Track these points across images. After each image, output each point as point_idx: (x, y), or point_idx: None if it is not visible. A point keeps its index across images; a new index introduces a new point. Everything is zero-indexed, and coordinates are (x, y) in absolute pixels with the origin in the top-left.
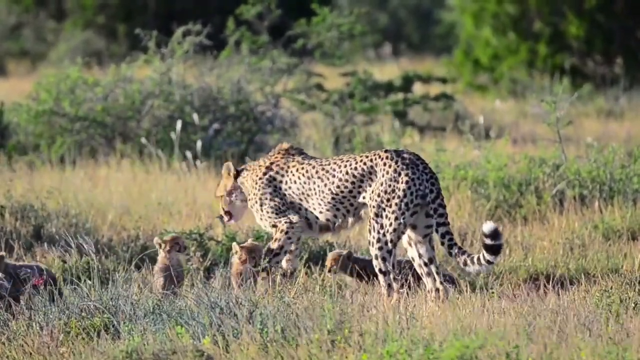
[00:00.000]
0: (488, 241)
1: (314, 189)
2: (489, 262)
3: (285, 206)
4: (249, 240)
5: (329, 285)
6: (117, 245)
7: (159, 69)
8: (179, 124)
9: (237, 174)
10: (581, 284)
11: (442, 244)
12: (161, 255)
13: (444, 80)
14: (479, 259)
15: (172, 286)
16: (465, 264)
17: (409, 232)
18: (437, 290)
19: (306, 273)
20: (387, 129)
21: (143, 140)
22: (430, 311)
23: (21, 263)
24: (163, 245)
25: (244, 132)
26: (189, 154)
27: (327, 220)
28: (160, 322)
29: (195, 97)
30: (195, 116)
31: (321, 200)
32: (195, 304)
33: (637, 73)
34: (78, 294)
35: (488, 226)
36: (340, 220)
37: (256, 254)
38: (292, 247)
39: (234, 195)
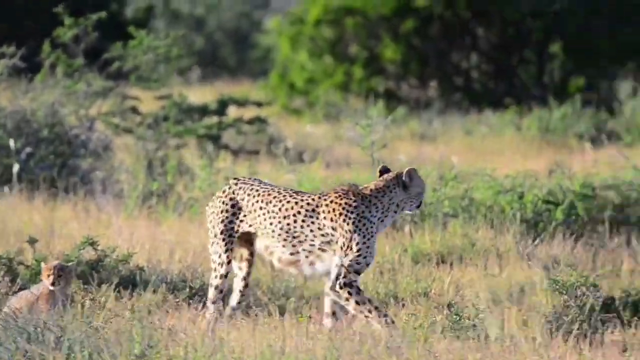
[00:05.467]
0: None
1: None
2: None
3: None
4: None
5: (138, 309)
6: None
7: None
8: None
9: None
10: (390, 308)
11: None
12: None
13: (259, 104)
14: None
15: None
16: None
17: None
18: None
19: (116, 298)
20: (199, 153)
21: None
22: (239, 335)
23: None
24: None
25: (57, 156)
26: None
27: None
28: None
29: (9, 120)
30: (11, 141)
31: None
32: (2, 328)
33: (451, 96)
34: None
35: None
36: None
37: (65, 274)
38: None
39: None
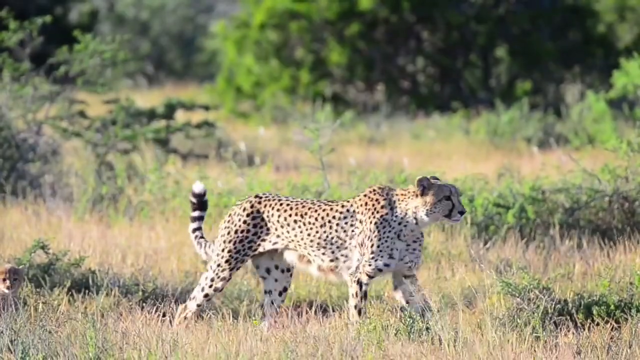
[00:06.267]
0: None
1: None
2: None
3: None
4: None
5: (91, 312)
6: None
7: None
8: None
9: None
10: (343, 311)
11: None
12: None
13: (206, 108)
14: None
15: None
16: None
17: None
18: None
19: (69, 301)
20: (148, 157)
21: None
22: (193, 338)
23: None
24: None
25: (5, 160)
26: None
27: None
28: None
29: None
30: None
31: None
32: None
33: (397, 100)
34: None
35: None
36: None
37: (19, 277)
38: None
39: None
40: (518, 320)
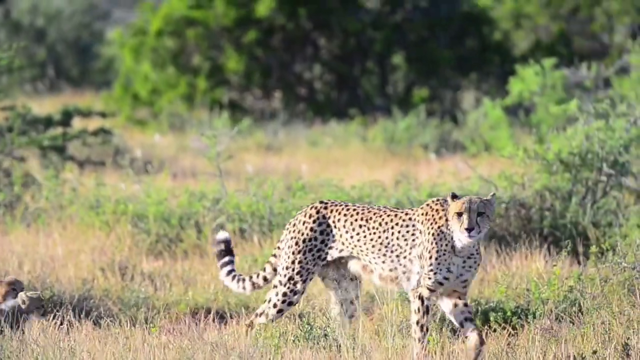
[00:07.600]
0: None
1: None
2: None
3: None
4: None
5: None
6: None
7: None
8: None
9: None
10: (241, 318)
11: None
12: None
13: (103, 115)
14: None
15: None
16: None
17: None
18: None
19: None
20: (43, 164)
21: None
22: (91, 346)
23: None
24: None
25: None
26: None
27: None
28: None
29: None
30: None
31: None
32: None
33: (295, 107)
34: None
35: None
36: None
37: (17, 287)
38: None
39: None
40: None
